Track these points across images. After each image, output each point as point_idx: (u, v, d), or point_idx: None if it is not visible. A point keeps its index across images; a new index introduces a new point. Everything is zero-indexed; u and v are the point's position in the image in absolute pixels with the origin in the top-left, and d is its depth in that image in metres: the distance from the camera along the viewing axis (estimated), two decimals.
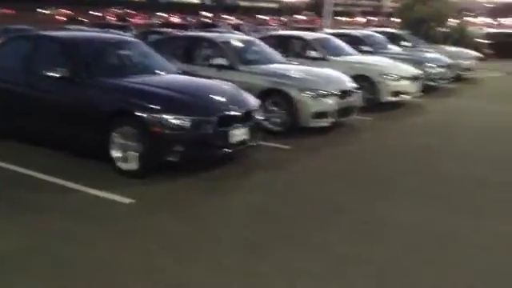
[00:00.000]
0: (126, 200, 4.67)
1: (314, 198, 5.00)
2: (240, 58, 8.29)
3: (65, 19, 41.42)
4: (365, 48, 12.09)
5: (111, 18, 47.15)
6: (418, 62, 11.73)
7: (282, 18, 55.74)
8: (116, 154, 5.36)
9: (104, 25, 24.76)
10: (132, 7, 74.96)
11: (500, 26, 49.78)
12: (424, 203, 4.91)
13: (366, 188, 5.35)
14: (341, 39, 11.75)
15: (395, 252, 3.85)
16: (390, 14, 53.25)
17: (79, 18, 39.04)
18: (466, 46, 16.90)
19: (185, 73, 6.78)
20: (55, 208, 4.52)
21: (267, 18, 62.78)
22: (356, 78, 9.02)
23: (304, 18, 64.66)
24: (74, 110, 5.72)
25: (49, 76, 5.75)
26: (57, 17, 44.23)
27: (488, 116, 9.78)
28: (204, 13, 68.76)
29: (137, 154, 5.24)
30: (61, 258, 3.60)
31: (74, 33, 8.48)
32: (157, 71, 6.51)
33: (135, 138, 5.23)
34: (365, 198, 5.02)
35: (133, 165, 5.28)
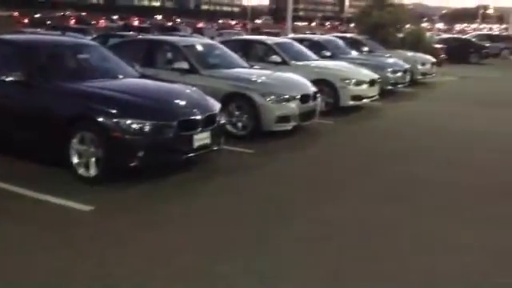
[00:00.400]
0: (86, 207, 4.57)
1: (274, 200, 5.04)
2: (202, 62, 8.27)
3: (26, 22, 39.94)
4: (325, 53, 12.32)
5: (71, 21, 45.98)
6: (376, 67, 12.02)
7: (242, 22, 55.71)
8: (76, 160, 5.24)
9: (62, 28, 24.14)
10: (89, 10, 73.72)
11: (455, 31, 51.74)
12: (379, 204, 5.04)
13: (325, 190, 5.44)
14: (302, 44, 11.92)
15: (346, 251, 3.93)
16: (349, 20, 54.49)
17: (48, 22, 37.62)
18: (423, 51, 17.45)
19: (146, 77, 6.70)
20: (12, 216, 4.37)
21: (221, 21, 62.24)
22: (317, 82, 9.17)
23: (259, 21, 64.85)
24: (32, 115, 5.55)
25: (5, 81, 5.56)
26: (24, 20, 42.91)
27: (443, 118, 10.12)
28: (157, 16, 68.18)
29: (97, 160, 5.14)
30: (17, 266, 3.48)
31: (30, 36, 8.23)
32: (117, 75, 6.40)
33: (95, 144, 5.13)
34: (322, 200, 5.10)
35: (93, 171, 5.17)
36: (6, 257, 3.64)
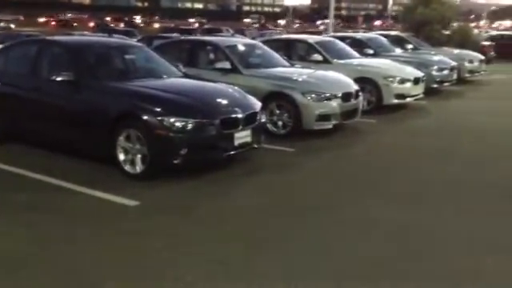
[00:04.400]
0: (132, 202, 4.72)
1: (313, 199, 5.02)
2: (244, 62, 8.34)
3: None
4: (368, 51, 12.15)
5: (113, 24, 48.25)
6: (421, 65, 11.75)
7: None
8: (123, 157, 5.41)
9: (109, 30, 24.95)
10: (132, 12, 76.45)
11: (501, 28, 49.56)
12: (413, 205, 4.93)
13: (364, 188, 5.38)
14: (344, 42, 11.80)
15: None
16: (394, 17, 53.43)
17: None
18: (471, 49, 16.90)
19: (189, 76, 6.84)
20: (59, 210, 4.57)
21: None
22: (359, 80, 9.06)
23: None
24: (80, 114, 5.78)
25: (55, 80, 5.80)
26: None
27: (489, 119, 9.72)
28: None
29: (143, 157, 5.29)
30: (60, 258, 3.65)
31: (79, 38, 8.60)
32: (161, 75, 6.57)
33: (141, 141, 5.28)
34: (361, 199, 5.04)
35: (139, 168, 5.33)
36: (53, 249, 3.81)
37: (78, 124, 5.81)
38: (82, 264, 3.57)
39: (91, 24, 48.05)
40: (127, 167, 5.40)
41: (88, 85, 5.81)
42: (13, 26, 42.01)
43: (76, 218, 4.39)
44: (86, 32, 24.54)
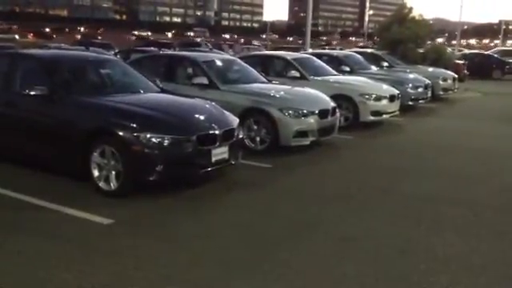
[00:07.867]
0: (106, 220, 4.60)
1: (290, 216, 5.00)
2: (221, 78, 8.34)
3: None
4: (345, 68, 12.31)
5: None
6: (396, 82, 11.95)
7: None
8: (97, 173, 5.30)
9: (87, 43, 24.76)
10: (113, 25, 76.38)
11: (474, 47, 50.99)
12: (393, 221, 4.97)
13: (342, 206, 5.38)
14: (321, 59, 11.93)
15: (364, 270, 3.87)
16: (370, 35, 54.54)
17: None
18: (444, 67, 17.31)
19: (166, 92, 6.78)
20: (32, 228, 4.42)
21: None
22: (336, 97, 9.15)
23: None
24: (54, 128, 5.65)
25: (28, 94, 5.68)
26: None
27: (463, 136, 9.94)
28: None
29: (117, 174, 5.19)
30: (35, 279, 3.52)
31: (54, 51, 8.47)
32: (138, 90, 6.49)
33: (115, 158, 5.19)
34: (338, 216, 5.04)
35: (114, 184, 5.22)
36: (24, 269, 3.68)
37: (51, 139, 5.68)
38: (59, 283, 3.45)
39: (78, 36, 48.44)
40: (101, 184, 5.29)
41: (62, 99, 5.70)
42: None
43: (49, 238, 4.24)
44: (62, 45, 24.23)
